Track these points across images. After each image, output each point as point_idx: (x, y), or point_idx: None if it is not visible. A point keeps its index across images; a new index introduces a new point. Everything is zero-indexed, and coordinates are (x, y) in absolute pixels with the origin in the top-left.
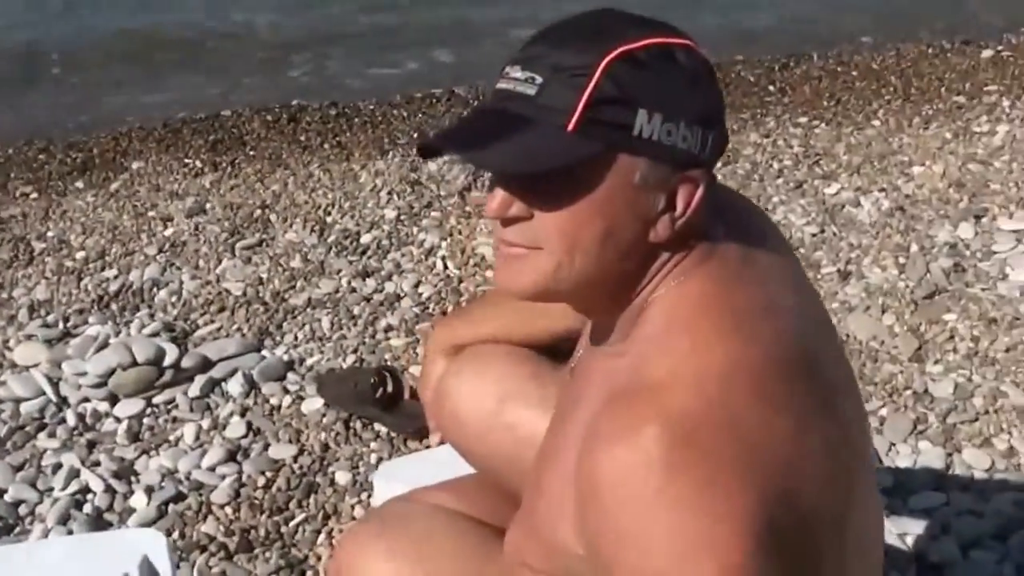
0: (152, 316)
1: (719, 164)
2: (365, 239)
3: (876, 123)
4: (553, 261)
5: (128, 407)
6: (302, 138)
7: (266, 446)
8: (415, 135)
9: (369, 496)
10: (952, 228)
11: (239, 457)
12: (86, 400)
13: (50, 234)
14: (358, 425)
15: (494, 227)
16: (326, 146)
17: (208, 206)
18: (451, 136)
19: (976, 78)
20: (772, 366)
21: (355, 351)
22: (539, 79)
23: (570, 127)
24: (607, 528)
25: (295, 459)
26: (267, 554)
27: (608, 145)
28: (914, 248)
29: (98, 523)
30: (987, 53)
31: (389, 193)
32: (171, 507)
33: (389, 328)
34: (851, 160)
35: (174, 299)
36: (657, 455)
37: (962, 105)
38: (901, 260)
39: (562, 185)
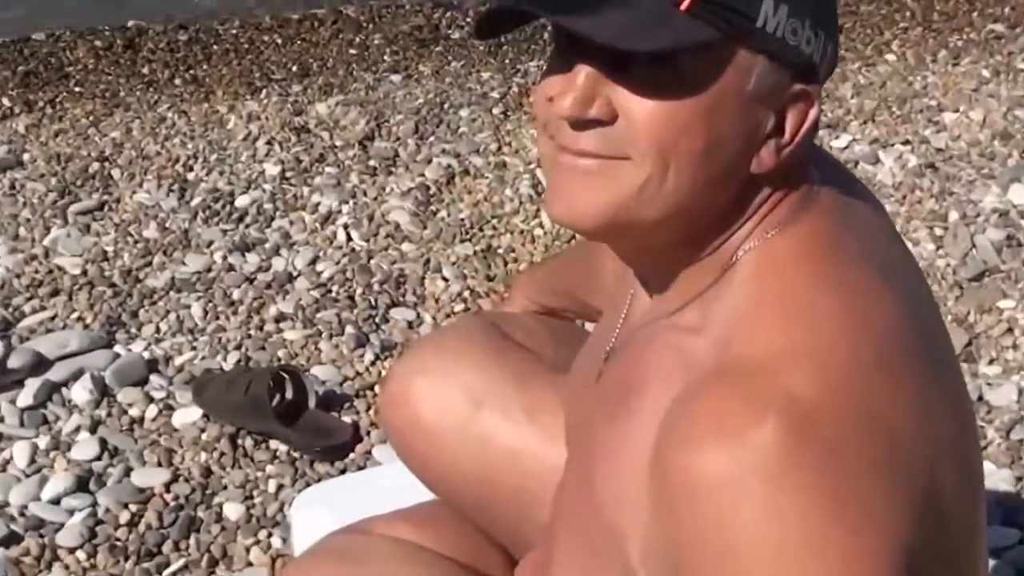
0: None
1: None
2: (241, 202)
3: (891, 57)
4: (641, 175)
5: None
6: (144, 71)
7: (127, 471)
8: (293, 66)
9: (270, 536)
10: (1001, 191)
11: (92, 485)
12: None
13: None
14: (248, 442)
15: (545, 132)
16: (177, 81)
17: (26, 158)
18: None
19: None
20: (899, 340)
21: (238, 347)
22: None
23: (684, 5)
24: (705, 541)
25: (167, 487)
26: None
27: (727, 33)
28: (954, 216)
29: None
30: None
31: (268, 143)
32: (1, 552)
33: (281, 317)
34: (862, 104)
35: None
36: (775, 453)
37: (1001, 35)
38: (938, 232)
39: (663, 79)
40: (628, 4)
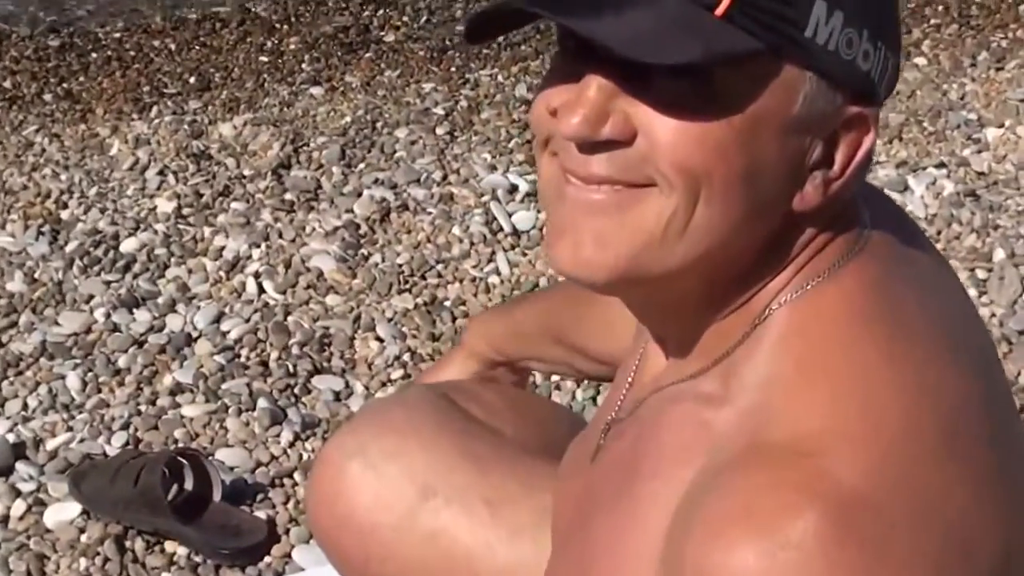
0: None
1: None
2: (128, 246)
3: (920, 61)
4: (668, 206)
5: None
6: (7, 84)
7: None
8: (190, 78)
9: None
10: None
11: None
12: None
13: None
14: (139, 545)
15: (546, 150)
16: (47, 97)
17: None
18: None
19: None
20: (965, 418)
21: (126, 426)
22: None
23: (719, 9)
24: None
25: None
26: None
27: (771, 43)
28: (1000, 255)
29: None
30: None
31: (160, 173)
32: None
33: (178, 388)
34: (887, 119)
35: None
36: (817, 550)
37: None
38: (981, 274)
39: (691, 93)
40: (651, 4)
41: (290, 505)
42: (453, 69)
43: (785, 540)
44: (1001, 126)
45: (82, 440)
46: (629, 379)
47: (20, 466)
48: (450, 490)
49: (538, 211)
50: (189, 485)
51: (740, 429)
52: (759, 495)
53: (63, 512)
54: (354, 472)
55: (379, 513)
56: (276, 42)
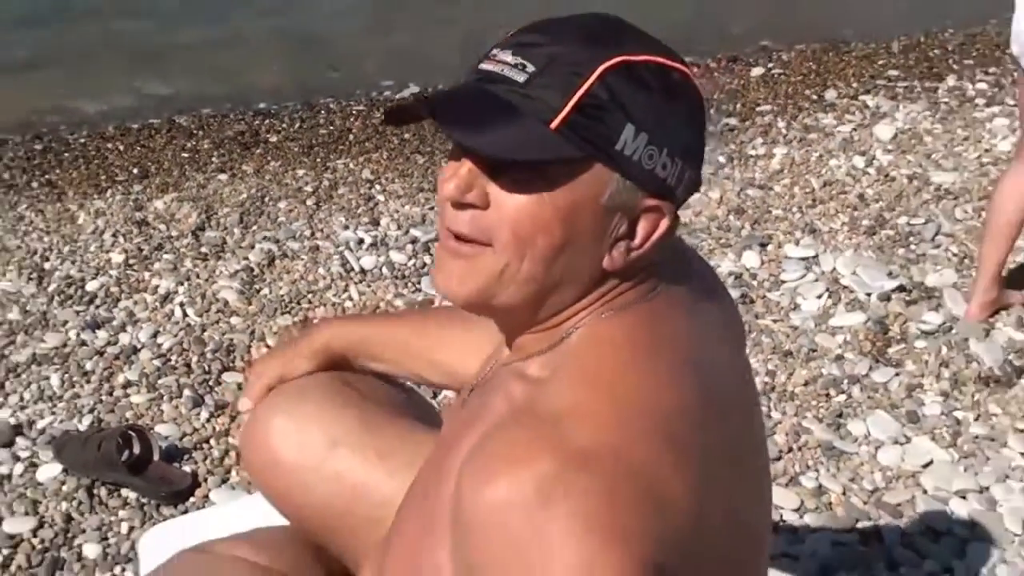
0: None
1: None
2: (91, 286)
3: None
4: (500, 262)
5: None
6: (5, 176)
7: None
8: (134, 169)
9: (124, 571)
10: (736, 257)
11: None
12: None
13: None
14: (103, 492)
15: (441, 216)
16: (34, 185)
17: None
18: (436, 107)
19: (747, 98)
20: (684, 415)
21: (92, 411)
22: (531, 67)
23: (553, 124)
24: (487, 563)
25: (35, 533)
26: None
27: (589, 153)
28: None
29: None
30: (757, 71)
31: (113, 235)
32: None
33: (128, 384)
34: None
35: None
36: (546, 490)
37: (734, 127)
38: None
39: (530, 182)
40: (509, 122)
41: (207, 462)
42: (318, 160)
43: (522, 479)
44: (698, 191)
45: (61, 421)
46: (496, 360)
47: (19, 440)
48: (350, 443)
49: (379, 256)
50: (137, 450)
51: (526, 398)
52: (508, 446)
53: (49, 471)
54: (279, 426)
55: (300, 457)
56: (194, 143)
